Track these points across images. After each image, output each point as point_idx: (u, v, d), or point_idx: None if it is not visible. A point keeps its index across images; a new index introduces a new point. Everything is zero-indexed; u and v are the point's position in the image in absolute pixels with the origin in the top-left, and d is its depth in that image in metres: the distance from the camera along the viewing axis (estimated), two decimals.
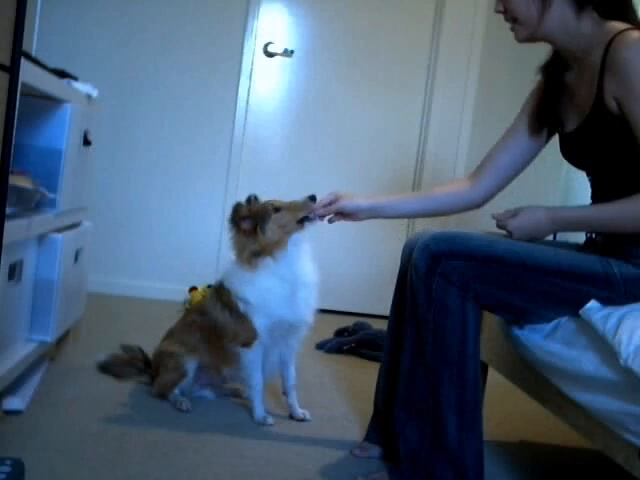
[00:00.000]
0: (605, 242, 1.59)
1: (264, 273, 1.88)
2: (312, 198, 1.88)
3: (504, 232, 1.62)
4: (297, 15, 3.64)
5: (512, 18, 1.58)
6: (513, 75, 3.83)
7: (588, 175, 1.68)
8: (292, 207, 1.90)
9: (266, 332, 1.92)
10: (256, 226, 1.88)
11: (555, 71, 1.67)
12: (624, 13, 1.52)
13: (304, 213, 1.89)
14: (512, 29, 1.61)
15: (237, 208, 1.92)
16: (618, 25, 1.49)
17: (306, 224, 1.90)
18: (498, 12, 1.60)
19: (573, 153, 1.67)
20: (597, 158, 1.59)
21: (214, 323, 1.98)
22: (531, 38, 1.59)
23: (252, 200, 1.95)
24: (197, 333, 2.03)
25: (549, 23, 1.54)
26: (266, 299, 1.89)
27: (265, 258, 1.88)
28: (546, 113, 1.70)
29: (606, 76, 1.47)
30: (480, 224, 3.77)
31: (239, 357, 1.94)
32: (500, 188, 1.81)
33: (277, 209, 1.90)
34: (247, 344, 1.92)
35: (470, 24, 3.72)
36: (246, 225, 1.89)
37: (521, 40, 1.61)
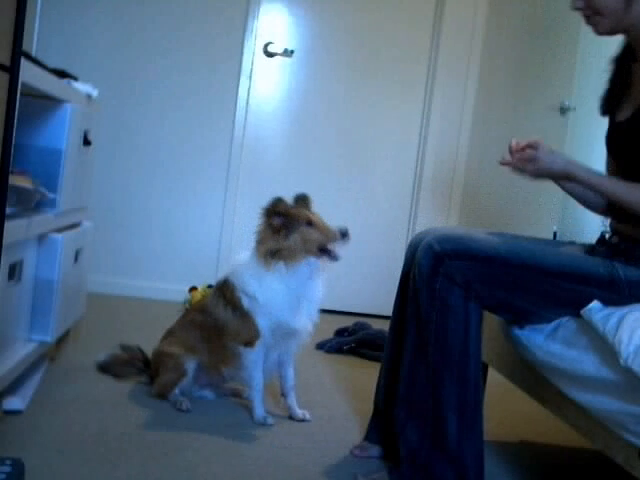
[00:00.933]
0: (617, 243, 1.58)
1: (275, 275, 1.87)
2: (344, 234, 1.85)
3: (504, 232, 1.62)
4: (297, 15, 3.64)
5: (595, 11, 1.55)
6: (513, 75, 3.83)
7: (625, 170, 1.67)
8: (324, 230, 1.87)
9: (268, 332, 1.92)
10: (282, 228, 1.87)
11: (626, 63, 1.67)
12: None
13: (330, 241, 1.86)
14: (592, 23, 1.58)
15: (276, 202, 1.89)
16: None
17: (324, 257, 1.88)
18: (576, 9, 1.58)
19: (617, 144, 1.65)
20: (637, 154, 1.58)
21: (215, 322, 1.98)
22: (613, 30, 1.57)
23: (298, 200, 1.94)
24: (197, 332, 2.03)
25: (631, 14, 1.52)
26: (270, 299, 1.89)
27: (279, 262, 1.87)
28: (610, 103, 1.68)
29: None
30: (483, 224, 3.78)
31: (240, 357, 1.94)
32: None
33: (310, 223, 1.88)
34: (249, 343, 1.92)
35: (470, 24, 3.72)
36: (276, 222, 1.88)
37: (602, 33, 1.59)
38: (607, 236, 1.65)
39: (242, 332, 1.93)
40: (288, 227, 1.87)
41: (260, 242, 1.90)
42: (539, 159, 1.54)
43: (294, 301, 1.90)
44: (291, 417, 2.00)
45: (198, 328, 2.03)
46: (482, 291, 1.50)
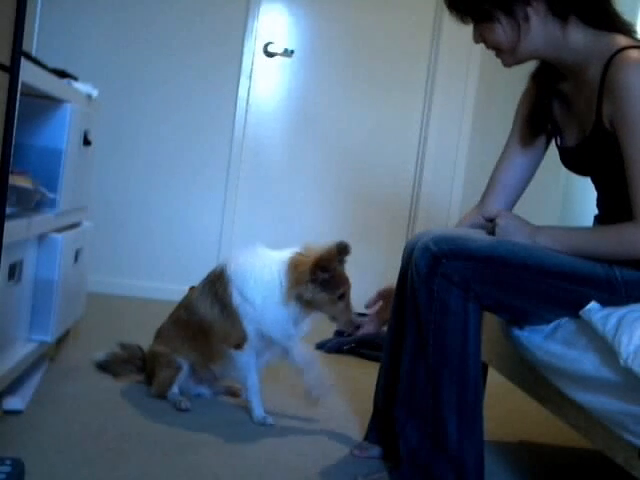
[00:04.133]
0: None
1: (279, 302, 1.87)
2: (359, 316, 1.93)
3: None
4: (297, 15, 3.64)
5: (492, 47, 1.57)
6: (513, 75, 3.82)
7: (592, 182, 1.68)
8: (346, 312, 1.93)
9: (255, 337, 1.91)
10: (322, 283, 1.85)
11: (547, 79, 1.66)
12: (610, 20, 1.50)
13: (342, 325, 1.97)
14: (497, 56, 1.60)
15: (344, 248, 1.88)
16: (619, 40, 1.46)
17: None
18: (478, 43, 1.60)
19: (574, 166, 1.67)
20: (599, 173, 1.59)
21: (200, 321, 1.97)
22: (517, 61, 1.58)
23: (340, 248, 1.88)
24: (182, 332, 2.02)
25: (530, 44, 1.52)
26: (264, 308, 1.88)
27: (298, 306, 1.87)
28: (539, 120, 1.69)
29: (604, 96, 1.46)
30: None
31: (230, 357, 1.94)
32: (511, 205, 1.80)
33: (343, 296, 1.90)
34: (238, 346, 1.92)
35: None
36: (321, 277, 1.85)
37: (508, 66, 1.60)
38: None
39: (230, 334, 1.92)
40: (326, 285, 1.85)
41: (296, 282, 1.85)
42: (497, 225, 1.59)
43: (286, 326, 1.90)
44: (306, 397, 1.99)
45: (183, 327, 2.02)
46: (481, 291, 1.50)
